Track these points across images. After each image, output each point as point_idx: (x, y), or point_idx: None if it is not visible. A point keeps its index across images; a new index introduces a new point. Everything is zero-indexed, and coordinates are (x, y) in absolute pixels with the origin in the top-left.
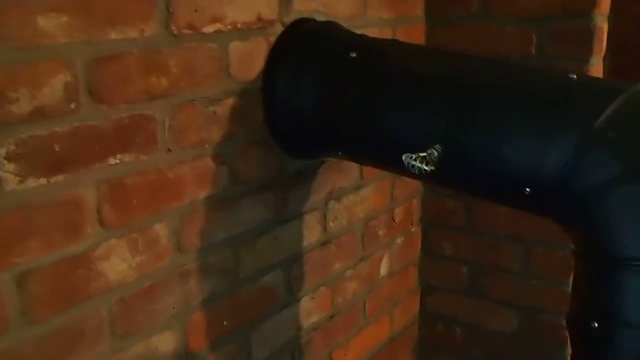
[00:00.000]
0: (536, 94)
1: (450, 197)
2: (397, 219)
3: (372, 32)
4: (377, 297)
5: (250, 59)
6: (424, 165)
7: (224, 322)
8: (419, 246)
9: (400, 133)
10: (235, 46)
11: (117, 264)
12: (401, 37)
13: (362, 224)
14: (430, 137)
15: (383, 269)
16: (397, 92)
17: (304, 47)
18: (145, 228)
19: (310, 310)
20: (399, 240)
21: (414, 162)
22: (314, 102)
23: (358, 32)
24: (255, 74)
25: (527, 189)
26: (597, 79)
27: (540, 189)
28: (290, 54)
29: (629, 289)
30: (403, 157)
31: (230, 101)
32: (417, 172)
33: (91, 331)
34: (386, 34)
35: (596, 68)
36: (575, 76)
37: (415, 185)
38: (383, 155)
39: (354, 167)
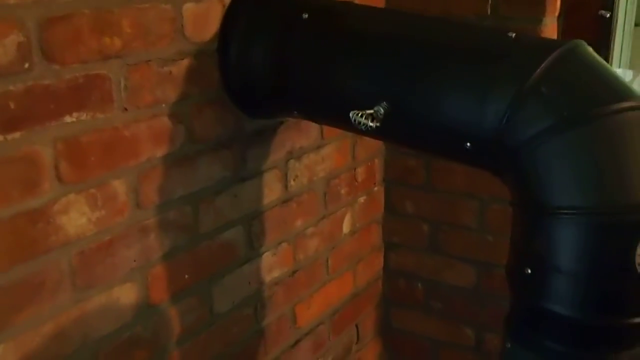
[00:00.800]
0: (474, 51)
1: (411, 156)
2: (359, 179)
3: None
4: (340, 253)
5: (205, 20)
6: (369, 122)
7: (185, 276)
8: (382, 204)
9: (348, 91)
10: (189, 7)
11: (76, 218)
12: None
13: (324, 183)
14: (377, 95)
15: (346, 227)
16: (346, 51)
17: (258, 8)
18: (103, 184)
19: (271, 265)
20: (361, 199)
21: (360, 119)
22: (268, 63)
23: None
24: (211, 35)
25: (468, 144)
26: (535, 37)
27: (480, 143)
28: (244, 15)
29: (557, 236)
30: (350, 114)
31: (185, 62)
32: (363, 129)
33: (52, 282)
34: None
35: (550, 28)
36: (513, 34)
37: (377, 145)
38: (333, 113)
39: (313, 127)
